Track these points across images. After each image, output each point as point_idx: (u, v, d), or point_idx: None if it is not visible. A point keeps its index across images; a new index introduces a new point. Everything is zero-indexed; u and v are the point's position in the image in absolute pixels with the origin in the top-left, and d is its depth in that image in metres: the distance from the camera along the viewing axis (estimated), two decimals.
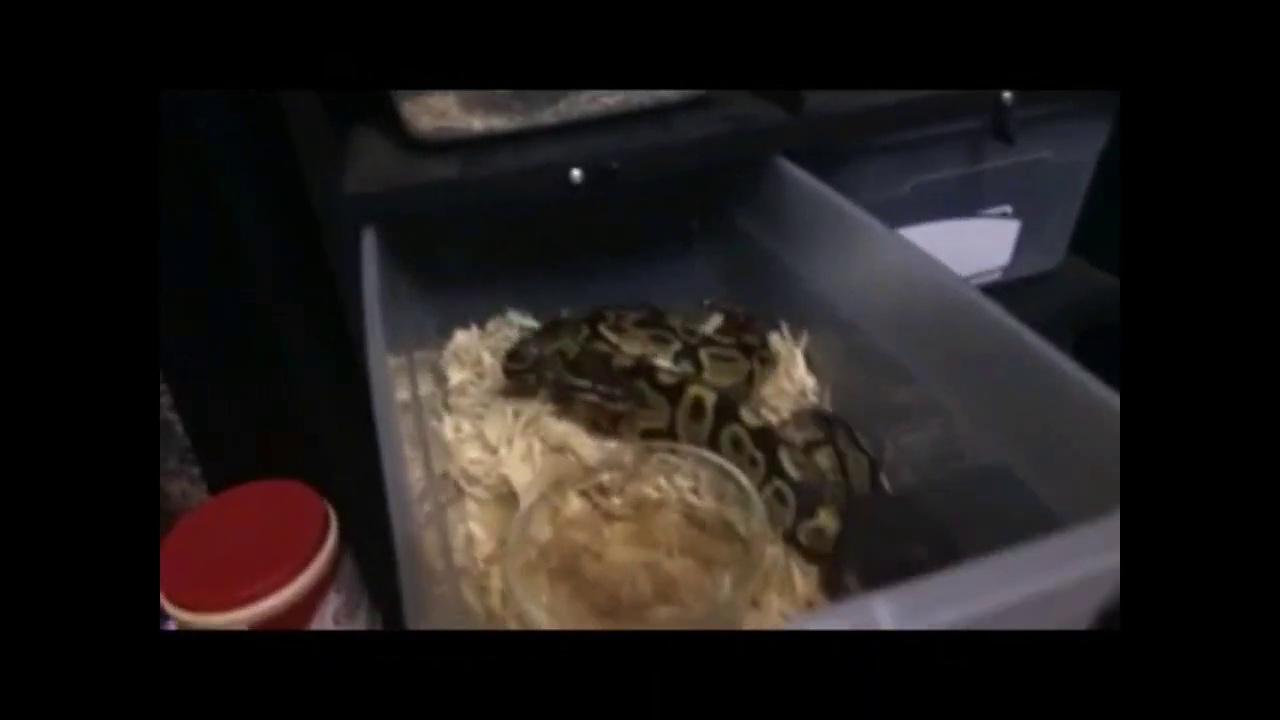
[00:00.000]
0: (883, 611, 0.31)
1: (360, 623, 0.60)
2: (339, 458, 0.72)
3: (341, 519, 0.61)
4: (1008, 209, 0.75)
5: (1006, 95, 0.64)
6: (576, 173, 0.57)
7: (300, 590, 0.55)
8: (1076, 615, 0.39)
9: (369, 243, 0.56)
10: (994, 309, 0.47)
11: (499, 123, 0.59)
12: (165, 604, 0.57)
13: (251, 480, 0.64)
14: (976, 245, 0.76)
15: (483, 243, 0.73)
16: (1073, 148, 0.74)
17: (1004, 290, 0.77)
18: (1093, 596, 0.37)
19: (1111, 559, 0.34)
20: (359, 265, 0.55)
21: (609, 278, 0.75)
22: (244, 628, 0.53)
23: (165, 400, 0.80)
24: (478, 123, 0.58)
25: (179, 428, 0.83)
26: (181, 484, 0.87)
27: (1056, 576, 0.32)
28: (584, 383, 0.58)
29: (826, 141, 0.65)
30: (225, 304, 0.77)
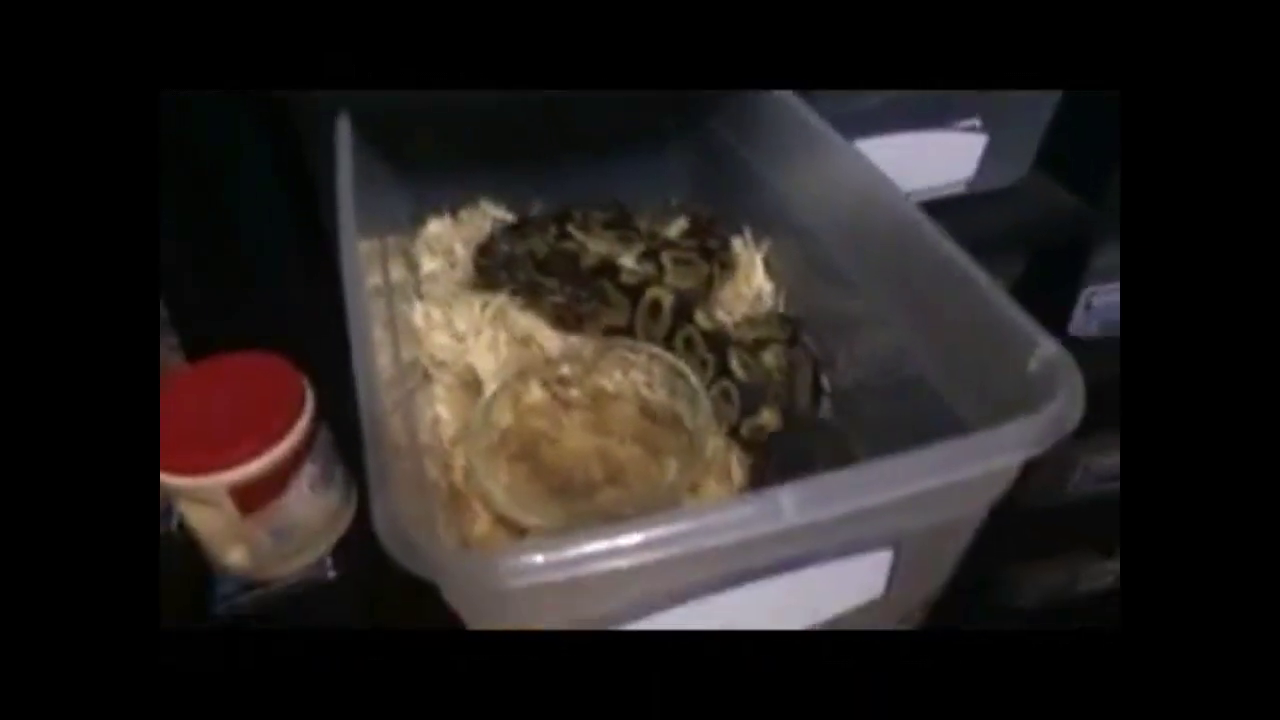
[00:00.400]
0: (787, 500, 0.35)
1: (335, 490, 0.63)
2: (313, 331, 0.74)
3: (316, 391, 0.64)
4: (976, 122, 0.76)
5: None
6: None
7: (278, 457, 0.57)
8: (968, 511, 0.44)
9: (343, 129, 0.57)
10: (932, 229, 0.49)
11: None
12: None
13: (226, 347, 0.66)
14: (942, 157, 0.77)
15: (457, 130, 0.73)
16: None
17: (965, 203, 0.79)
18: (981, 495, 0.42)
19: (999, 462, 0.38)
20: (332, 151, 0.57)
21: (582, 172, 0.75)
22: (223, 490, 0.56)
23: None
24: None
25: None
26: (161, 351, 0.89)
27: (944, 476, 0.36)
28: (551, 283, 0.61)
29: None
30: (204, 183, 0.78)
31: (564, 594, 0.35)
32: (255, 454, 0.57)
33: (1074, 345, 0.40)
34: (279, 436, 0.58)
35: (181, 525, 0.62)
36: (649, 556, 0.34)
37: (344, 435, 0.65)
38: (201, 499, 0.57)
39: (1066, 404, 0.38)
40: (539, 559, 0.33)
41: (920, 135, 0.75)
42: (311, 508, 0.61)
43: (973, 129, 0.75)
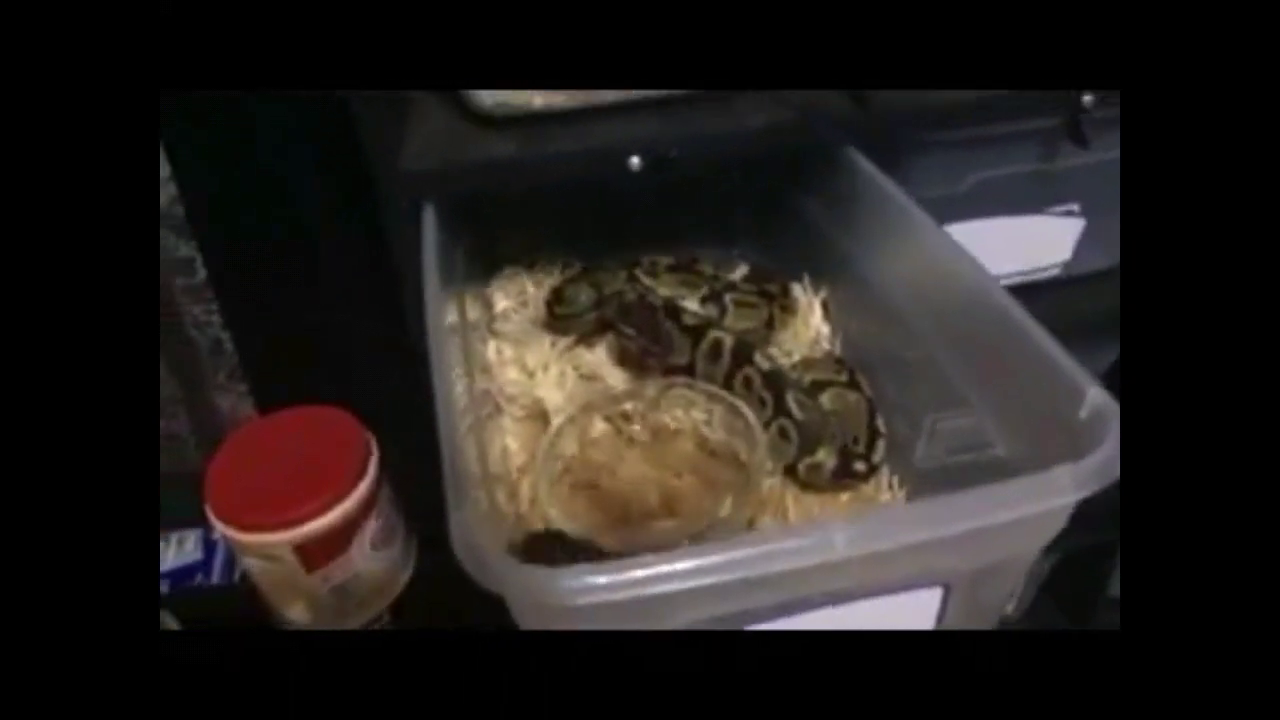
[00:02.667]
0: (839, 534, 0.37)
1: (396, 548, 0.64)
2: (380, 390, 0.73)
3: (380, 448, 0.64)
4: (1074, 207, 0.72)
5: (1087, 98, 0.61)
6: (635, 160, 0.57)
7: (342, 515, 0.58)
8: (1017, 553, 0.44)
9: (429, 220, 0.58)
10: (987, 278, 0.50)
11: (559, 100, 0.58)
12: (213, 519, 0.59)
13: (294, 399, 0.66)
14: (1037, 241, 0.74)
15: (536, 214, 0.76)
16: None
17: (1060, 286, 0.76)
18: (1031, 537, 0.43)
19: (1052, 503, 0.39)
20: (418, 237, 0.57)
21: (652, 229, 0.77)
22: (288, 547, 0.57)
23: (217, 319, 0.85)
24: (538, 99, 0.58)
25: (229, 345, 0.87)
26: (231, 399, 0.92)
27: (994, 517, 0.38)
28: (630, 330, 0.63)
29: (894, 137, 0.63)
30: (277, 233, 0.81)
31: (621, 614, 0.37)
32: (320, 512, 0.57)
33: None
34: (344, 494, 0.59)
35: (245, 576, 0.63)
36: (705, 581, 0.36)
37: (407, 491, 0.66)
38: (266, 554, 0.59)
39: (1114, 450, 0.39)
40: (602, 579, 0.35)
41: (1014, 220, 0.72)
42: (373, 565, 0.62)
43: (1070, 213, 0.73)
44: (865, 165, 0.61)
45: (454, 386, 0.50)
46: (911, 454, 0.60)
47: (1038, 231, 0.72)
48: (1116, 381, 0.41)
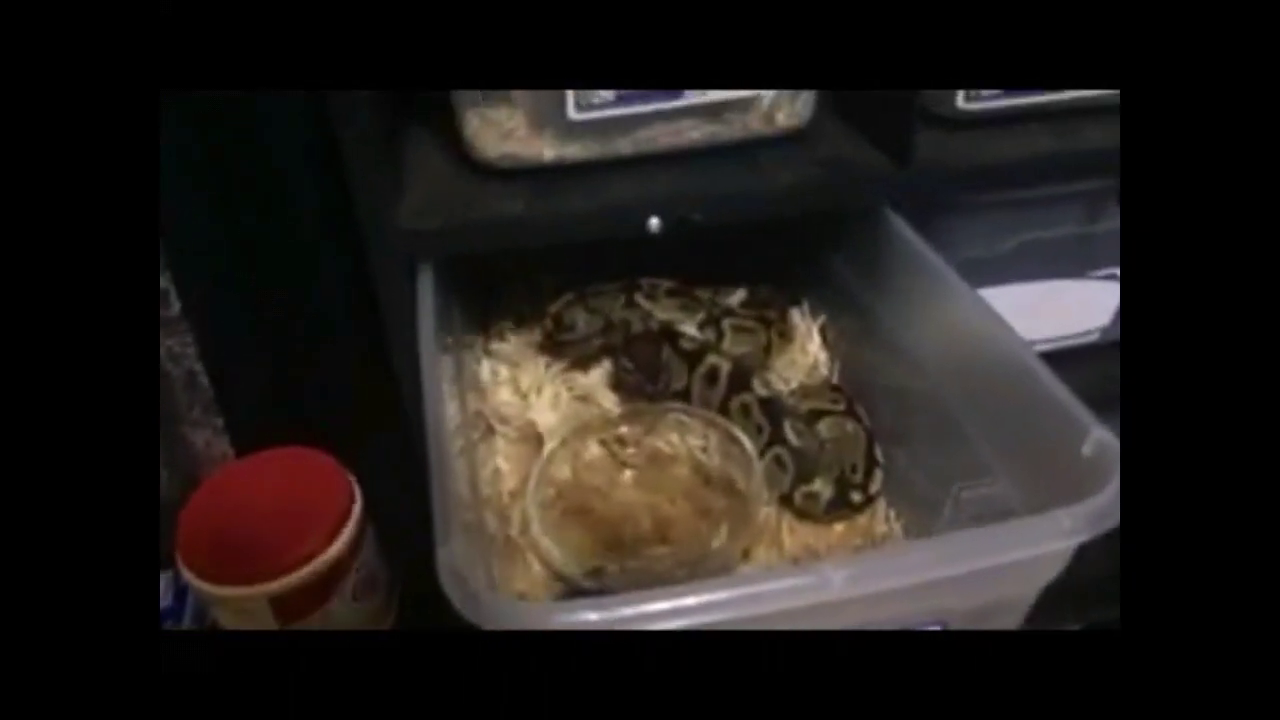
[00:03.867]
0: (836, 573, 0.36)
1: (379, 597, 0.61)
2: (363, 425, 0.71)
3: (363, 490, 0.61)
4: (1116, 272, 0.70)
5: None
6: (655, 221, 0.53)
7: (323, 566, 0.55)
8: (1017, 593, 0.44)
9: (425, 282, 0.54)
10: (991, 313, 0.49)
11: (571, 151, 0.54)
12: (185, 572, 0.55)
13: (271, 435, 0.63)
14: (1078, 306, 0.72)
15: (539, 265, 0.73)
16: None
17: (1096, 351, 0.74)
18: (1031, 578, 0.42)
19: (1051, 546, 0.38)
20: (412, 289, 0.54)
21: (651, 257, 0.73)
22: (264, 600, 0.54)
23: (191, 351, 0.81)
24: (548, 150, 0.53)
25: (204, 379, 0.84)
26: (205, 434, 0.89)
27: (992, 559, 0.37)
28: (629, 364, 0.63)
29: (933, 198, 0.60)
30: (257, 270, 0.78)
31: None
32: (299, 564, 0.54)
33: None
34: (325, 544, 0.55)
35: (214, 624, 0.59)
36: (699, 620, 0.35)
37: (391, 530, 0.64)
38: (239, 608, 0.55)
39: (1115, 493, 0.38)
40: (592, 616, 0.35)
41: (1057, 284, 0.70)
42: (354, 615, 0.59)
43: (1112, 277, 0.70)
44: (900, 227, 0.58)
45: (444, 405, 0.49)
46: (911, 482, 0.59)
47: (1079, 296, 0.70)
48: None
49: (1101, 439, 0.41)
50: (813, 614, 0.37)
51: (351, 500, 0.59)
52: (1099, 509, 0.38)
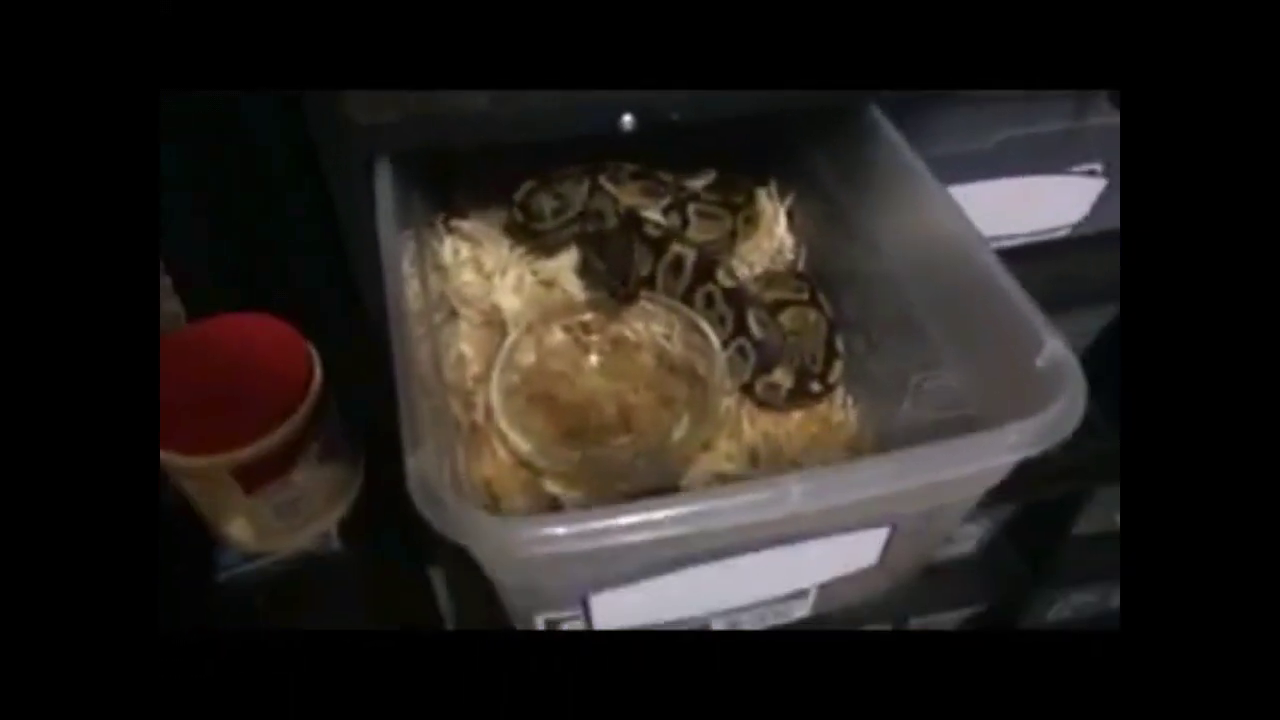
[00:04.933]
0: (795, 488, 0.37)
1: (343, 462, 0.61)
2: (319, 285, 0.70)
3: (321, 354, 0.60)
4: (1097, 167, 0.69)
5: None
6: (628, 119, 0.50)
7: (283, 436, 0.54)
8: (963, 497, 0.46)
9: (383, 175, 0.52)
10: (1008, 279, 0.47)
11: None
12: None
13: (224, 298, 0.61)
14: (1052, 201, 0.71)
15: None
16: None
17: (1070, 245, 0.74)
18: (978, 485, 0.44)
19: (1001, 460, 0.40)
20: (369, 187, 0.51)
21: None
22: (226, 471, 0.53)
23: None
24: None
25: None
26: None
27: (946, 474, 0.39)
28: (601, 265, 0.62)
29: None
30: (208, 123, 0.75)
31: (582, 560, 0.38)
32: (260, 434, 0.53)
33: None
34: (286, 413, 0.54)
35: (176, 492, 0.59)
36: (663, 533, 0.36)
37: (351, 396, 0.63)
38: (202, 477, 0.55)
39: (1066, 407, 0.40)
40: (559, 530, 0.36)
41: (1033, 179, 0.68)
42: (318, 482, 0.59)
43: (1091, 173, 0.69)
44: (883, 123, 0.55)
45: (406, 289, 0.48)
46: (869, 371, 0.61)
47: (1058, 191, 0.69)
48: (1117, 342, 0.41)
49: (1055, 352, 0.42)
50: (770, 524, 0.38)
51: (310, 366, 0.58)
52: (1046, 425, 0.39)
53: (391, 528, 0.36)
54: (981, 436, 0.39)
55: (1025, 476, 0.43)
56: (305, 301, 0.69)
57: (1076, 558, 1.09)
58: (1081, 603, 1.19)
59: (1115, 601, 1.21)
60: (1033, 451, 0.39)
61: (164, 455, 0.54)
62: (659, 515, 0.36)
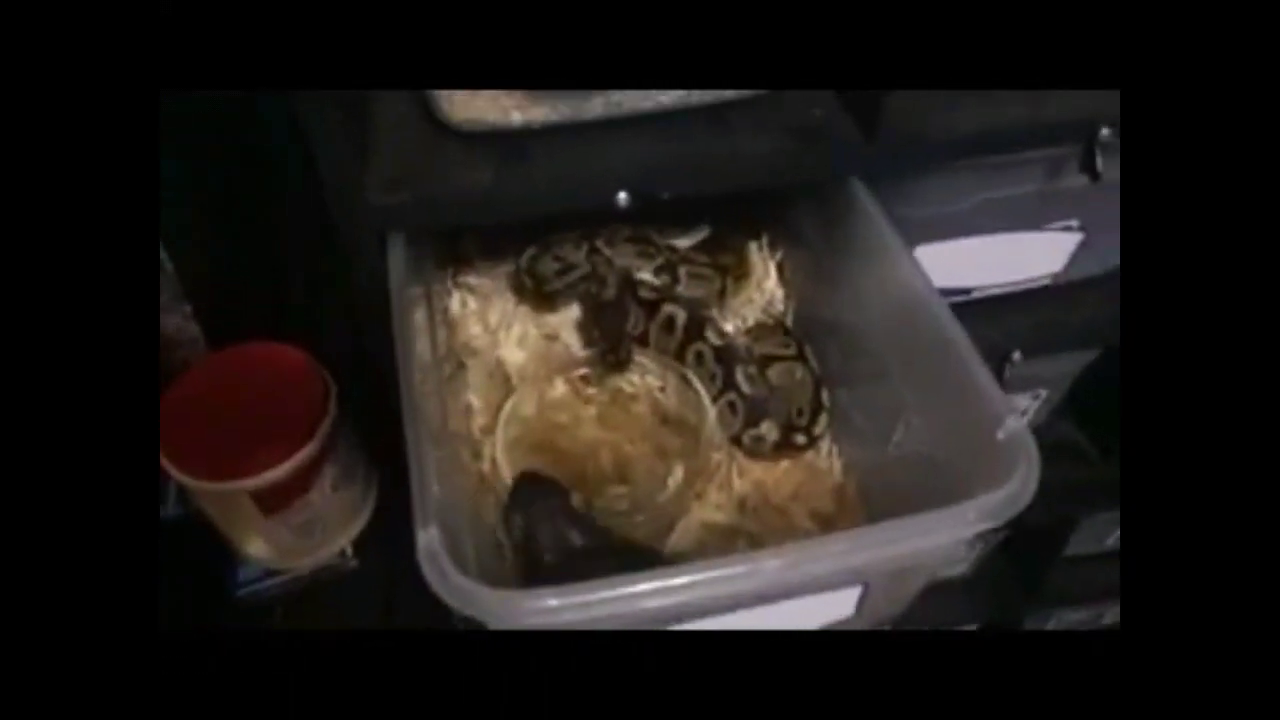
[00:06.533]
0: (770, 564, 0.41)
1: (357, 485, 0.65)
2: (334, 320, 0.72)
3: (338, 384, 0.63)
4: (1074, 223, 0.71)
5: (1105, 131, 0.58)
6: (623, 196, 0.53)
7: (302, 460, 0.57)
8: (932, 560, 0.50)
9: (395, 250, 0.55)
10: (959, 333, 0.51)
11: (539, 114, 0.53)
12: (167, 465, 0.57)
13: (242, 324, 0.64)
14: (1032, 253, 0.73)
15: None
16: None
17: (1049, 293, 0.76)
18: (945, 551, 0.48)
19: (961, 534, 0.44)
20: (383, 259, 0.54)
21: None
22: (246, 495, 0.57)
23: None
24: (516, 114, 0.53)
25: (169, 267, 0.80)
26: (175, 319, 0.90)
27: (912, 545, 0.43)
28: (596, 331, 0.65)
29: (902, 166, 0.61)
30: (229, 159, 0.77)
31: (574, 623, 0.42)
32: (278, 460, 0.56)
33: None
34: (303, 439, 0.57)
35: (199, 511, 0.62)
36: (651, 604, 0.40)
37: (366, 420, 0.66)
38: (222, 501, 0.58)
39: (1022, 483, 0.44)
40: (554, 602, 0.40)
41: (1016, 235, 0.71)
42: (333, 504, 0.63)
43: (1068, 229, 0.72)
44: (865, 199, 0.59)
45: (417, 347, 0.52)
46: (852, 424, 0.64)
47: (1037, 245, 0.72)
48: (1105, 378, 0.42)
49: (1014, 428, 0.46)
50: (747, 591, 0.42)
51: (327, 394, 0.61)
52: (1002, 501, 0.43)
53: (405, 543, 0.40)
54: (939, 513, 0.43)
55: None
56: (322, 329, 0.73)
57: (1068, 578, 1.14)
58: (1074, 620, 1.23)
59: (1107, 619, 1.25)
60: (989, 525, 0.43)
61: (186, 479, 0.57)
62: (646, 587, 0.40)
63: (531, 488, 0.57)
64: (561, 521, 0.54)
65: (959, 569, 1.12)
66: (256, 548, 0.64)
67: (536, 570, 0.53)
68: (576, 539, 0.53)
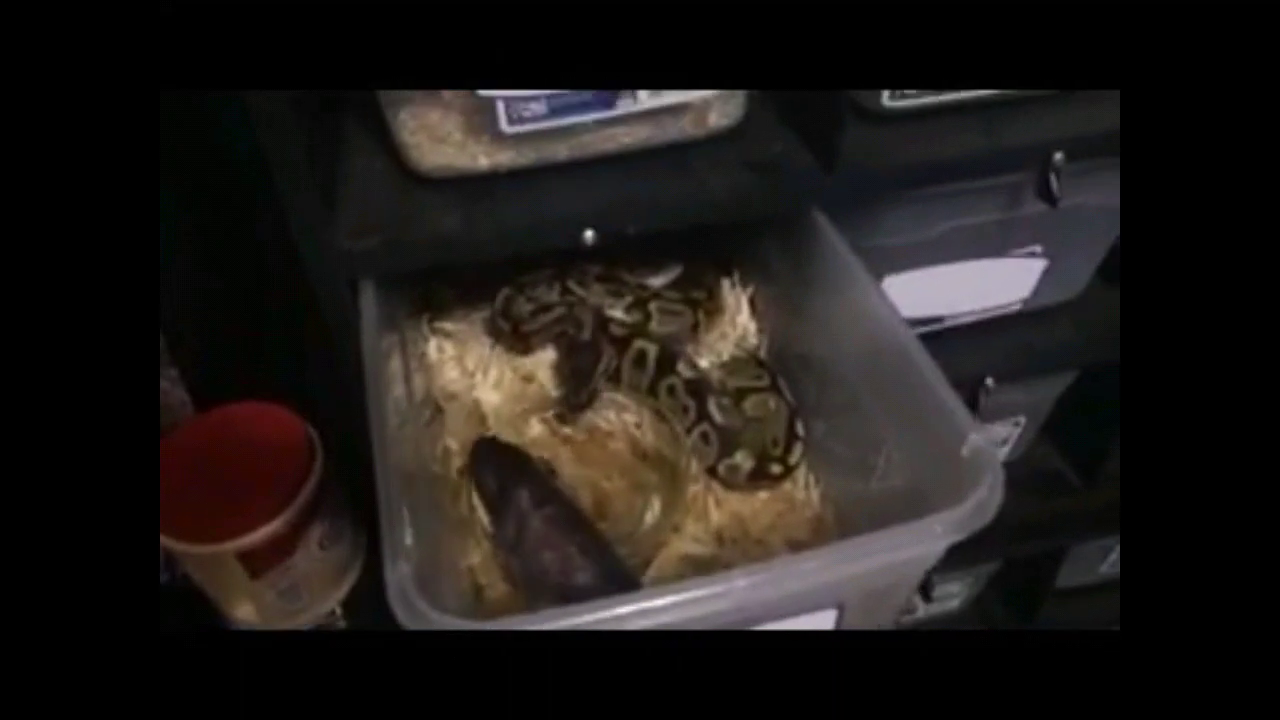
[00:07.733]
0: (740, 581, 0.41)
1: (344, 544, 0.65)
2: (321, 375, 0.69)
3: (321, 434, 0.63)
4: (1037, 249, 0.73)
5: (1058, 156, 0.60)
6: (589, 234, 0.55)
7: (287, 521, 0.58)
8: (903, 578, 0.50)
9: (367, 296, 0.56)
10: (923, 356, 0.52)
11: (505, 158, 0.55)
12: None
13: (229, 384, 0.65)
14: (999, 282, 0.76)
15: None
16: (1115, 193, 0.68)
17: (1018, 319, 0.79)
18: (915, 568, 0.48)
19: (928, 548, 0.44)
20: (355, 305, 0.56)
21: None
22: (232, 556, 0.57)
23: None
24: (483, 158, 0.55)
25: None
26: (162, 384, 0.91)
27: (879, 561, 0.43)
28: (567, 370, 0.67)
29: (861, 197, 0.62)
30: (207, 218, 0.79)
31: None
32: (264, 520, 0.57)
33: None
34: (288, 499, 0.58)
35: (185, 576, 0.62)
36: (629, 628, 0.40)
37: (355, 477, 0.64)
38: (208, 563, 0.58)
39: (989, 491, 0.44)
40: (528, 629, 0.40)
41: (977, 263, 0.73)
42: (321, 565, 0.63)
43: (1033, 254, 0.74)
44: (828, 230, 0.60)
45: (389, 388, 0.52)
46: (829, 452, 0.65)
47: (1003, 271, 0.74)
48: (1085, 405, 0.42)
49: (977, 443, 0.47)
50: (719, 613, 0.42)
51: (313, 453, 0.61)
52: (969, 512, 0.43)
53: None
54: (906, 528, 0.43)
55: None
56: (308, 385, 0.70)
57: (1063, 610, 1.13)
58: None
59: None
60: (956, 539, 0.43)
61: (171, 543, 0.57)
62: (620, 611, 0.40)
63: (490, 448, 0.58)
64: (535, 481, 0.56)
65: (952, 604, 1.12)
66: (245, 611, 0.64)
67: (521, 535, 0.54)
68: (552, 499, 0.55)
